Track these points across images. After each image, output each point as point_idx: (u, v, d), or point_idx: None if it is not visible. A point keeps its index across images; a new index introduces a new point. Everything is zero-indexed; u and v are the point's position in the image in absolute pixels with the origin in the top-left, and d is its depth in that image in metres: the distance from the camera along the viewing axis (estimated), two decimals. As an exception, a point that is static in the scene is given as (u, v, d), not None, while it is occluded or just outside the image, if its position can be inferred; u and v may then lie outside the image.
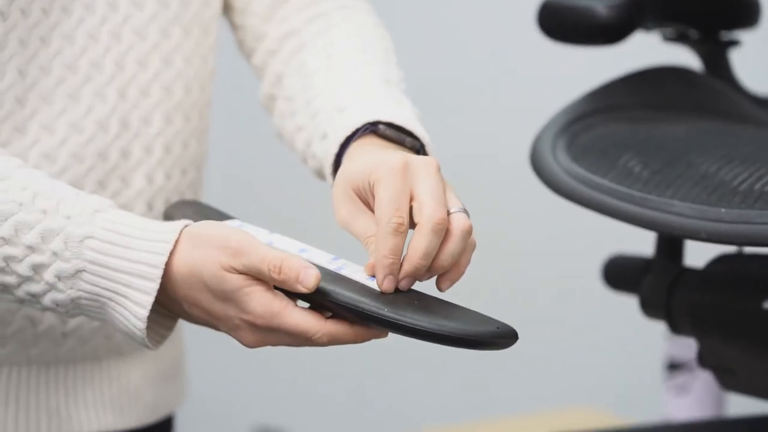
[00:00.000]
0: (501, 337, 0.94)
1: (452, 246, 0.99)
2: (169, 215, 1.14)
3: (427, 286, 1.00)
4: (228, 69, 1.64)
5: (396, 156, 1.00)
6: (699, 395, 1.76)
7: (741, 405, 1.61)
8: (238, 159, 3.06)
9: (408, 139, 1.09)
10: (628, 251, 1.35)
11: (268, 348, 1.07)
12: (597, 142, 1.16)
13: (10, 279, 1.01)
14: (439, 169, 1.01)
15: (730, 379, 1.17)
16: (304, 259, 0.97)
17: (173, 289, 0.99)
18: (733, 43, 1.41)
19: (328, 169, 1.10)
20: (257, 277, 0.97)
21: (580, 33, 1.28)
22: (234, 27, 1.29)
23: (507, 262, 2.81)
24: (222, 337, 1.04)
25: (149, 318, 1.00)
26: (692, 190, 1.04)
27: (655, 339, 1.91)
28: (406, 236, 0.99)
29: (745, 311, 1.11)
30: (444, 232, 0.99)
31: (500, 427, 1.98)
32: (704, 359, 1.18)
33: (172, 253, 0.99)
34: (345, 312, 0.96)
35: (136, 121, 1.18)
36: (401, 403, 2.85)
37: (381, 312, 0.94)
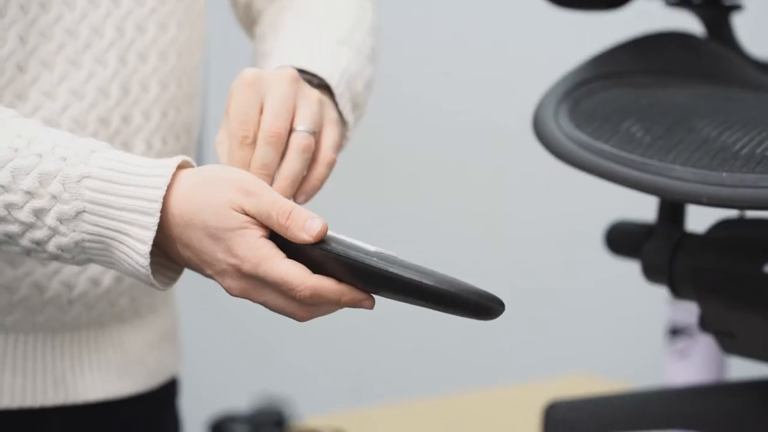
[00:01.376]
0: (496, 303, 0.92)
1: (288, 163, 1.03)
2: None
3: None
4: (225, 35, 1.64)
5: (250, 70, 1.04)
6: (700, 360, 1.76)
7: (742, 369, 1.62)
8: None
9: (317, 81, 1.10)
10: (631, 217, 1.36)
11: (275, 317, 1.06)
12: (599, 108, 1.16)
13: (13, 228, 1.00)
14: (293, 81, 1.04)
15: (730, 343, 1.17)
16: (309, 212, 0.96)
17: (169, 227, 0.98)
18: (736, 7, 1.41)
19: None
20: (260, 222, 0.96)
21: (582, -2, 1.28)
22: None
23: (509, 227, 2.82)
24: (227, 305, 1.04)
25: (155, 261, 0.99)
26: (694, 155, 1.04)
27: (657, 304, 1.92)
28: (254, 148, 1.03)
29: (745, 275, 1.11)
30: (279, 145, 1.03)
31: (500, 394, 1.99)
32: (705, 323, 1.18)
33: (169, 187, 0.98)
34: (334, 264, 0.94)
35: (136, 87, 1.18)
36: (401, 373, 2.86)
37: (368, 261, 0.93)
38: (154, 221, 0.97)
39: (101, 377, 1.22)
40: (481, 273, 2.75)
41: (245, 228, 0.96)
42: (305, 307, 0.96)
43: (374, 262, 0.93)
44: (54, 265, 1.16)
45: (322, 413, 2.46)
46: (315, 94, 1.07)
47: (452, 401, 2.00)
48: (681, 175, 1.02)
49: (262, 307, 1.00)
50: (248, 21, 1.32)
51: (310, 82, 1.10)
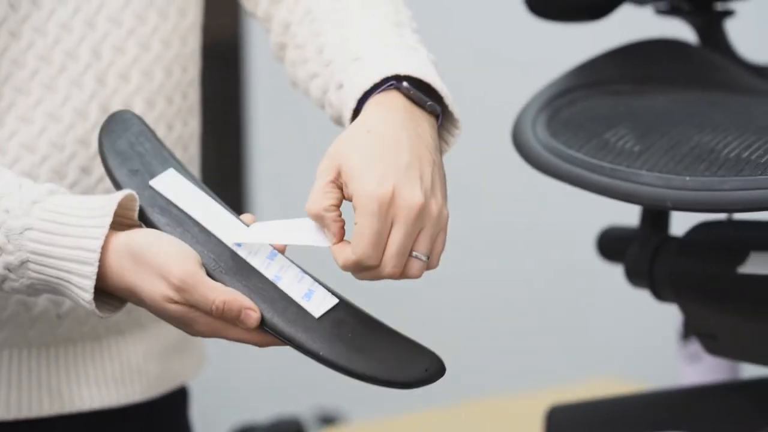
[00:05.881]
0: (417, 382, 0.99)
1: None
2: (114, 145, 1.12)
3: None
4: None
5: (384, 186, 0.98)
6: (712, 362, 1.77)
7: (755, 370, 1.62)
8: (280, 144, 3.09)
9: (429, 104, 1.05)
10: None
11: None
12: (576, 117, 1.18)
13: None
14: (419, 213, 0.98)
15: (713, 345, 1.18)
16: (243, 296, 1.01)
17: (105, 275, 1.04)
18: (728, 13, 1.42)
19: (347, 122, 1.08)
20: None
21: (564, 9, 1.30)
22: None
23: (521, 234, 2.83)
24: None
25: (99, 292, 1.04)
26: (661, 160, 1.06)
27: (672, 308, 1.92)
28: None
29: (721, 277, 1.12)
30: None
31: (525, 400, 2.01)
32: (688, 326, 1.20)
33: (109, 240, 1.03)
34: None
35: (117, 106, 1.20)
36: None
37: (293, 335, 1.00)
38: (93, 270, 1.03)
39: (98, 388, 1.25)
40: (497, 281, 2.77)
41: (190, 313, 1.02)
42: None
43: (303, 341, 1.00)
44: None
45: (340, 424, 2.48)
46: (445, 214, 1.01)
47: (465, 409, 2.03)
48: (647, 180, 1.04)
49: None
50: (250, 4, 1.28)
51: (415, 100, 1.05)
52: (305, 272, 1.03)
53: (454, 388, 2.68)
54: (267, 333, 1.01)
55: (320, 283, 1.03)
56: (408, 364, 0.98)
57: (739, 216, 1.24)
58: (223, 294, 1.00)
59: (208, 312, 1.01)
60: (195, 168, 1.30)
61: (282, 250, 1.05)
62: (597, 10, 1.30)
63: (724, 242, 1.15)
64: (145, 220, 1.07)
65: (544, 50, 2.39)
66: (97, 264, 1.02)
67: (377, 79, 1.05)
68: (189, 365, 1.36)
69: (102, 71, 1.20)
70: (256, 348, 1.06)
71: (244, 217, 1.07)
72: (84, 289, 1.03)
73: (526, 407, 1.80)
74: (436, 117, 1.05)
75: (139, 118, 1.12)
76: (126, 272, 1.03)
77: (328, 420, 3.02)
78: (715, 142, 1.05)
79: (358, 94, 1.05)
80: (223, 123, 3.38)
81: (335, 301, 1.01)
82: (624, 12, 1.48)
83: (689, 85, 1.29)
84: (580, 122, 1.17)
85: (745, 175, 0.98)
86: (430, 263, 1.00)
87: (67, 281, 1.04)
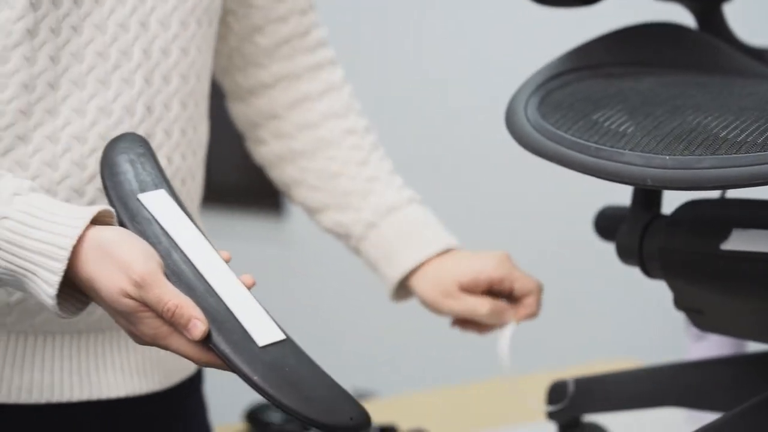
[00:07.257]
0: (341, 427, 1.01)
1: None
2: (112, 157, 1.16)
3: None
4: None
5: (500, 258, 1.43)
6: (718, 340, 1.80)
7: (760, 346, 1.64)
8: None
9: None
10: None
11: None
12: (567, 98, 1.21)
13: None
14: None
15: (701, 319, 1.21)
16: (195, 307, 1.03)
17: (76, 273, 1.06)
18: (726, -3, 1.44)
19: (394, 272, 1.43)
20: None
21: (557, -6, 1.33)
22: (225, 41, 1.39)
23: (529, 216, 2.84)
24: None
25: (65, 291, 1.07)
26: (643, 140, 1.08)
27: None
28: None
29: (705, 253, 1.15)
30: None
31: (534, 379, 2.04)
32: (677, 301, 1.22)
33: (81, 238, 1.05)
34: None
35: (159, 106, 1.25)
36: (420, 365, 2.90)
37: (230, 356, 1.02)
38: (61, 267, 1.05)
39: (123, 376, 1.29)
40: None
41: (141, 311, 1.04)
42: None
43: (240, 365, 1.02)
44: None
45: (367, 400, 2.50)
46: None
47: (477, 387, 2.06)
48: (629, 160, 1.07)
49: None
50: (232, 65, 1.42)
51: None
52: (261, 304, 1.07)
53: (468, 368, 2.71)
54: (208, 351, 1.03)
55: (272, 318, 1.06)
56: (336, 409, 1.01)
57: (731, 194, 1.27)
58: (177, 298, 1.03)
59: (159, 313, 1.03)
60: (200, 170, 1.34)
61: (250, 286, 1.08)
62: (588, -4, 1.32)
63: (710, 220, 1.18)
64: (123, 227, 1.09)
65: (542, 34, 2.42)
66: (65, 261, 1.04)
67: (432, 253, 1.44)
68: None
69: (149, 71, 1.25)
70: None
71: (222, 252, 1.10)
72: (49, 284, 1.05)
73: (535, 386, 1.84)
74: None
75: (147, 142, 1.17)
76: (89, 262, 1.04)
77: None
78: (696, 122, 1.08)
79: (421, 259, 1.44)
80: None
81: (282, 336, 1.05)
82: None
83: (681, 68, 1.32)
84: (571, 103, 1.19)
85: (721, 154, 1.01)
86: None
87: (34, 273, 1.05)
